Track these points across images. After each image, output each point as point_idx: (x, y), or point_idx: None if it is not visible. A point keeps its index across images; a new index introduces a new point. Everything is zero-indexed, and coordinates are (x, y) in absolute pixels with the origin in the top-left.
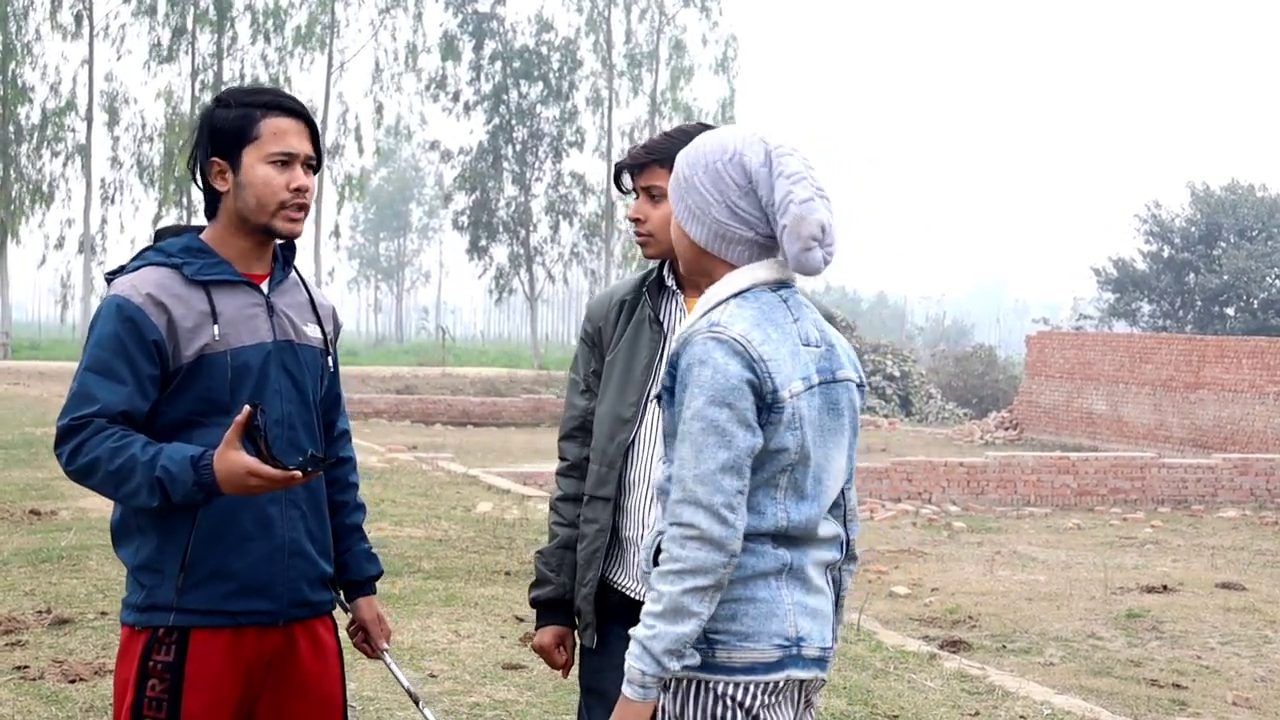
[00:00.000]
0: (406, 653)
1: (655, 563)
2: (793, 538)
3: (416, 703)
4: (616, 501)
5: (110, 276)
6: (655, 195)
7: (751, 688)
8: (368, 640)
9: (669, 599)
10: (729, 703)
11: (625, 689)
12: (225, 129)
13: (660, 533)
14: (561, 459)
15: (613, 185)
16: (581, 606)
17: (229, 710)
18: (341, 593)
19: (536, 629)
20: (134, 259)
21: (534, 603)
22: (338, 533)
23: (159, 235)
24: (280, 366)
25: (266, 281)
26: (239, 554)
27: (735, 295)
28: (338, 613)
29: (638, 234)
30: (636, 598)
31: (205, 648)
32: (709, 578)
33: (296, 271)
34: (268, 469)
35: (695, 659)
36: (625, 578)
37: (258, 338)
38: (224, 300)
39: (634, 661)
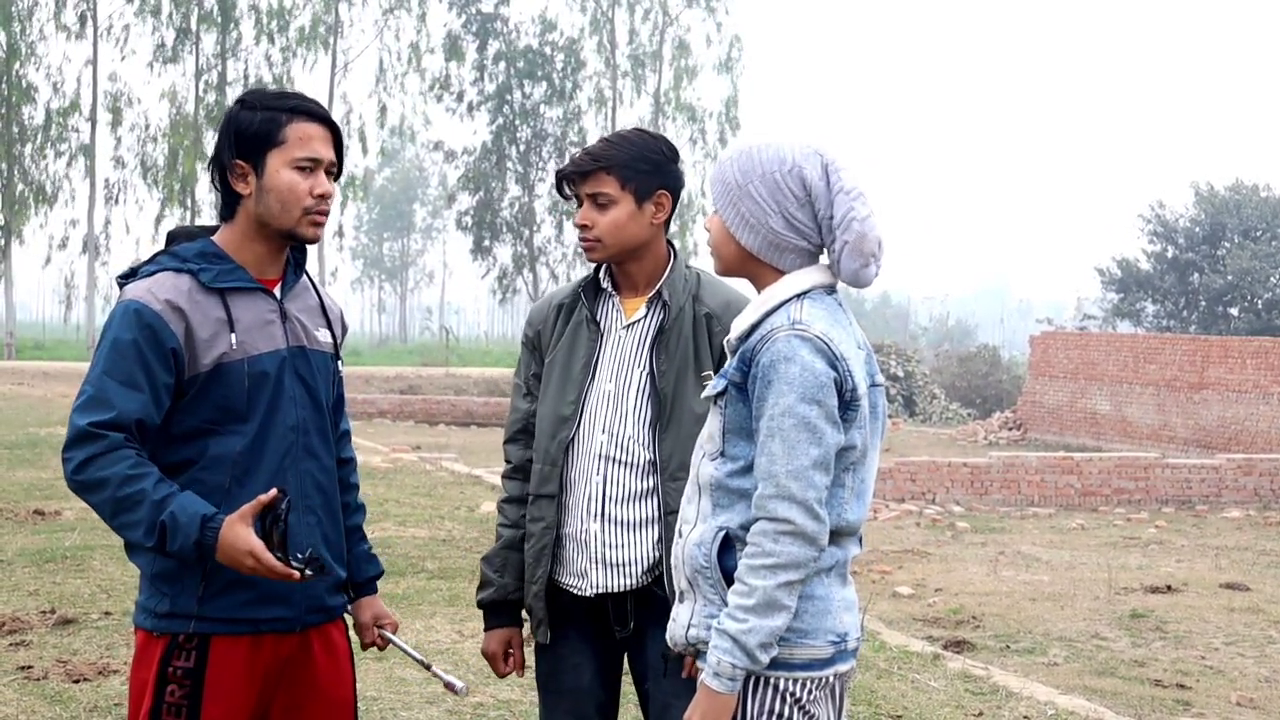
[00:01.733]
0: None
1: (719, 557)
2: (842, 535)
3: (429, 668)
4: (559, 499)
5: (123, 280)
6: (602, 202)
7: (807, 683)
8: (377, 633)
9: (762, 593)
10: (787, 698)
11: (711, 682)
12: (250, 132)
13: (722, 528)
14: (506, 461)
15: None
16: (532, 604)
17: (245, 716)
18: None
19: (485, 632)
20: (148, 262)
21: (480, 604)
22: None
23: (171, 238)
24: (294, 373)
25: (279, 286)
26: None
27: (798, 296)
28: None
29: (584, 239)
30: (581, 594)
31: (225, 654)
32: (800, 572)
33: (307, 275)
34: (269, 559)
35: (774, 653)
36: (566, 575)
37: (273, 345)
38: (240, 307)
39: (724, 655)
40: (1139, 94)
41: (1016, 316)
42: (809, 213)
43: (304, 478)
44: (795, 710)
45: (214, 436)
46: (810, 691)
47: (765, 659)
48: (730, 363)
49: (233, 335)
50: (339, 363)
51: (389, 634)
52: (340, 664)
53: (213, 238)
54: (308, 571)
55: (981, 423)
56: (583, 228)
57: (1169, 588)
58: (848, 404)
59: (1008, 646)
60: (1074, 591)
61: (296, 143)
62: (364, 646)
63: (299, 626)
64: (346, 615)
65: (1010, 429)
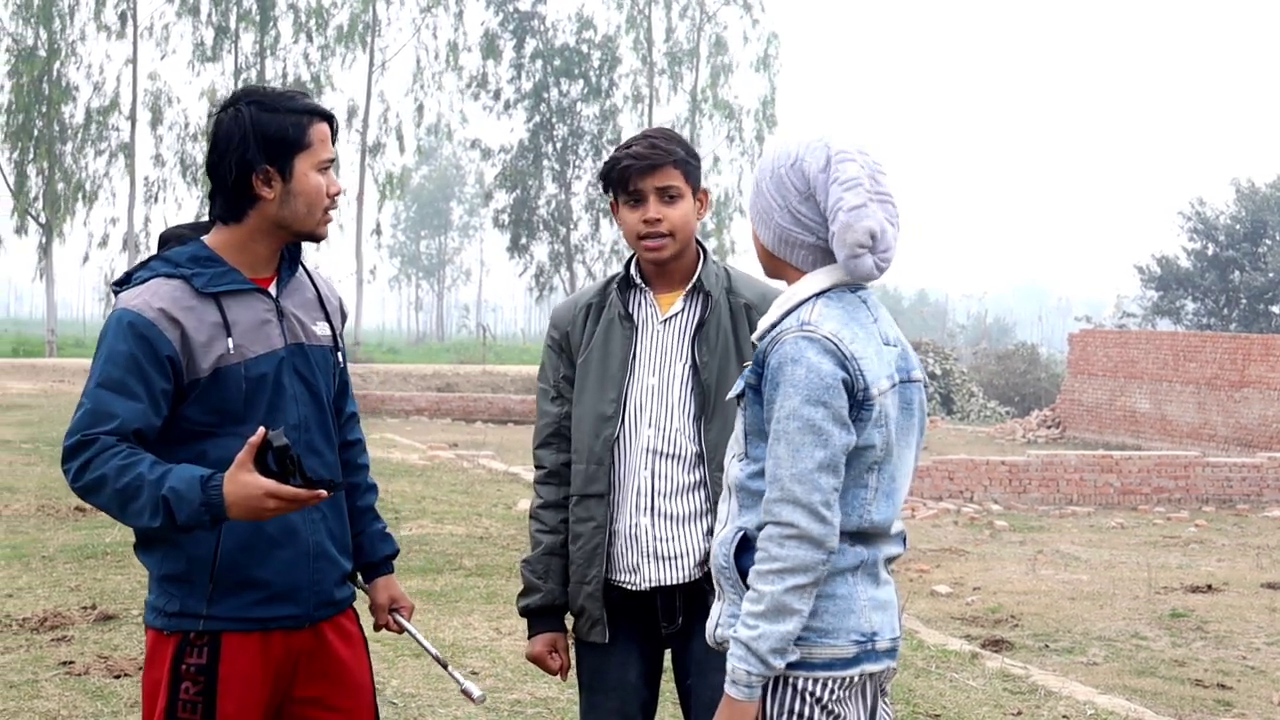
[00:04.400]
0: (448, 650)
1: (736, 558)
2: (869, 535)
3: (445, 666)
4: (609, 497)
5: (117, 287)
6: (673, 194)
7: (829, 683)
8: (391, 616)
9: (771, 598)
10: (807, 698)
11: (730, 689)
12: (279, 136)
13: (741, 529)
14: (539, 467)
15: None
16: (586, 605)
17: (259, 709)
18: (360, 575)
19: (529, 638)
20: (141, 268)
21: (524, 611)
22: (351, 515)
23: (163, 242)
24: (293, 372)
25: (274, 284)
26: (267, 562)
27: (816, 295)
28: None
29: (656, 236)
30: (633, 588)
31: (237, 650)
32: (809, 575)
33: (303, 266)
34: (291, 491)
35: (795, 654)
36: (617, 572)
37: (270, 346)
38: (236, 310)
39: (738, 663)
40: (1179, 90)
41: (1055, 314)
42: (813, 206)
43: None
44: (816, 709)
45: (211, 439)
46: (833, 691)
47: (779, 664)
48: (750, 364)
49: (229, 340)
50: (340, 354)
51: (404, 620)
52: (357, 650)
53: (205, 239)
54: (333, 489)
55: (1020, 421)
56: (654, 222)
57: (1209, 587)
58: (861, 404)
59: (1046, 646)
60: (1113, 591)
61: (319, 145)
62: (376, 628)
63: (308, 623)
64: (357, 603)
65: (1049, 427)
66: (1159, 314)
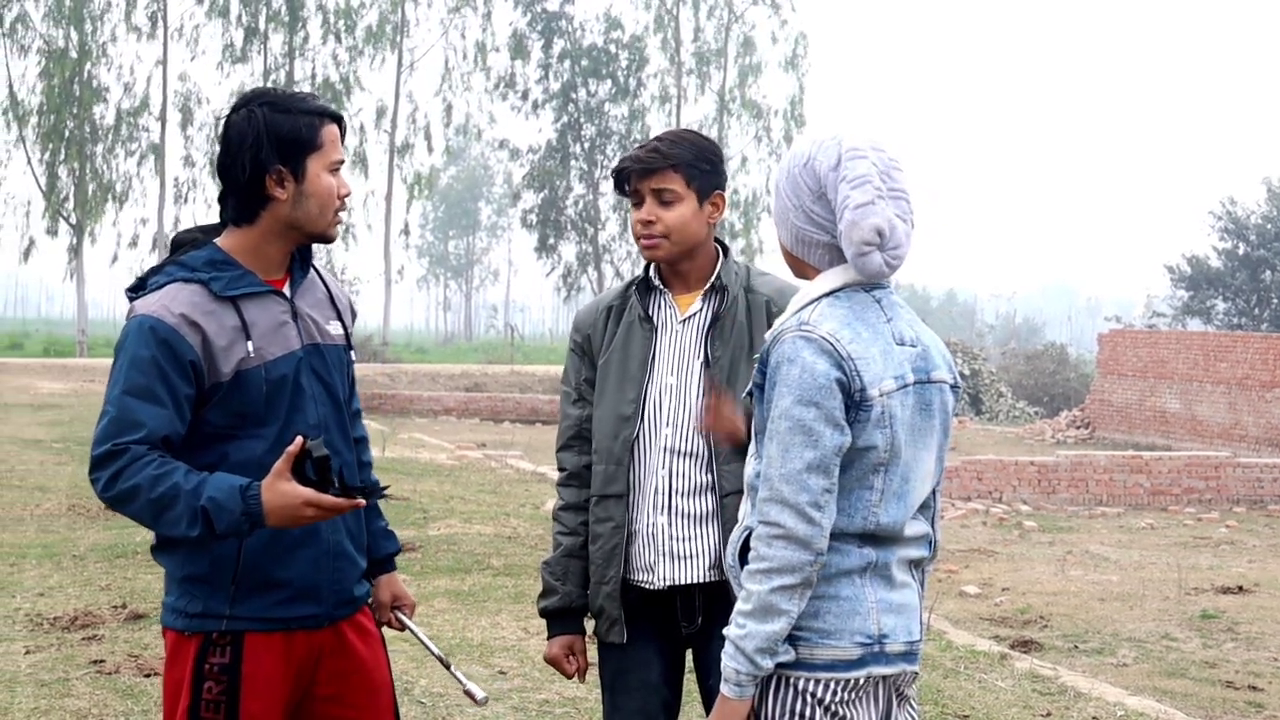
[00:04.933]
0: (476, 649)
1: (743, 559)
2: (879, 537)
3: (447, 667)
4: (627, 497)
5: (131, 293)
6: (667, 199)
7: (832, 684)
8: (393, 614)
9: (758, 598)
10: (808, 698)
11: (723, 687)
12: (292, 137)
13: (748, 529)
14: (560, 469)
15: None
16: (604, 605)
17: (282, 708)
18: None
19: (548, 639)
20: (155, 273)
21: (543, 613)
22: None
23: (175, 245)
24: (311, 372)
25: (287, 284)
26: (289, 562)
27: (827, 295)
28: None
29: (650, 236)
30: (650, 587)
31: (260, 650)
32: (796, 576)
33: (314, 267)
34: (330, 500)
35: (790, 655)
36: (635, 571)
37: (288, 347)
38: (254, 313)
39: (728, 661)
40: (1209, 89)
41: (1084, 314)
42: (825, 204)
43: None
44: (818, 710)
45: (233, 441)
46: (836, 693)
47: (767, 664)
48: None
49: (249, 343)
50: (351, 353)
51: (405, 618)
52: (375, 648)
53: (218, 242)
54: (369, 496)
55: (1049, 421)
56: (647, 224)
57: (1240, 588)
58: (858, 404)
59: (1076, 646)
60: (1143, 592)
61: (330, 145)
62: (377, 625)
63: (328, 622)
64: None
65: (1078, 428)
66: (1189, 314)
